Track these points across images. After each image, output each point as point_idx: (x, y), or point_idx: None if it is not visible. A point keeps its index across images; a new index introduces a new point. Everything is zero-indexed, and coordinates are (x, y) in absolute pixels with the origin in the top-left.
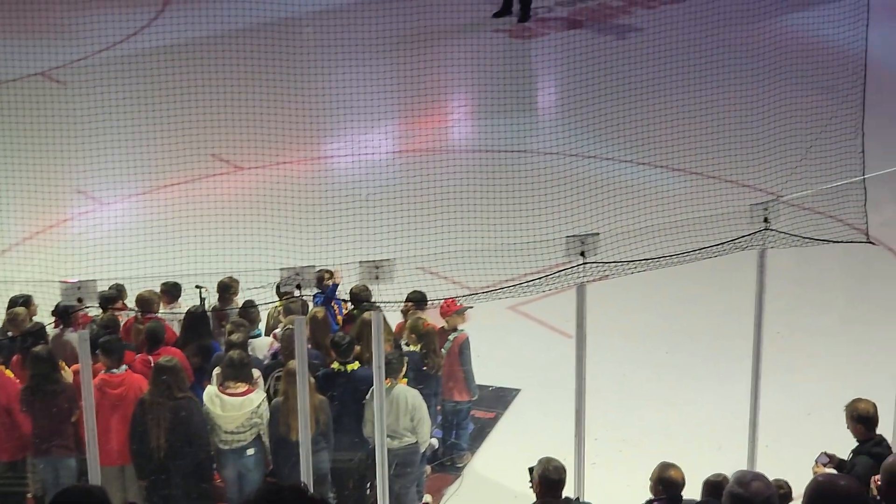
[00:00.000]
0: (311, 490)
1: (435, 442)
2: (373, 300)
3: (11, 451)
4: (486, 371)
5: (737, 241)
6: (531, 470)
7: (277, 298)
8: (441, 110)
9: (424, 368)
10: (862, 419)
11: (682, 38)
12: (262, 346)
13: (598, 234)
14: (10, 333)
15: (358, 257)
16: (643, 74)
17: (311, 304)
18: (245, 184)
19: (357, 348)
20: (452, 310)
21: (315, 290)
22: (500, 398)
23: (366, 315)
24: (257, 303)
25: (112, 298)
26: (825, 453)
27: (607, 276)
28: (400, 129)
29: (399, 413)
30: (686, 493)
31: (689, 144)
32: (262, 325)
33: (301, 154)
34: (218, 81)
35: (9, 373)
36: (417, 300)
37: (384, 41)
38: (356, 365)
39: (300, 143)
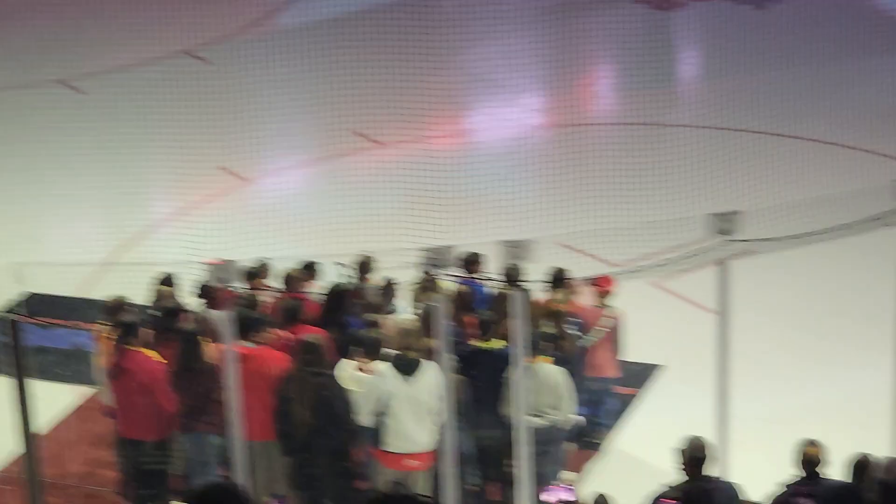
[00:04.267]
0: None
1: (579, 418)
2: (521, 279)
3: (157, 431)
4: (626, 347)
5: (881, 217)
6: (683, 452)
7: (418, 277)
8: (581, 83)
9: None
10: None
11: (819, 6)
12: None
13: (740, 211)
14: (154, 312)
15: (498, 234)
16: (782, 45)
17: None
18: (385, 160)
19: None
20: (607, 286)
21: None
22: (642, 374)
23: (500, 291)
24: (395, 281)
25: (253, 275)
26: None
27: (753, 252)
28: (540, 103)
29: (543, 391)
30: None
31: (834, 117)
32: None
33: (442, 129)
34: (359, 58)
35: (148, 353)
36: (558, 278)
37: (524, 13)
38: (499, 343)
39: (440, 119)
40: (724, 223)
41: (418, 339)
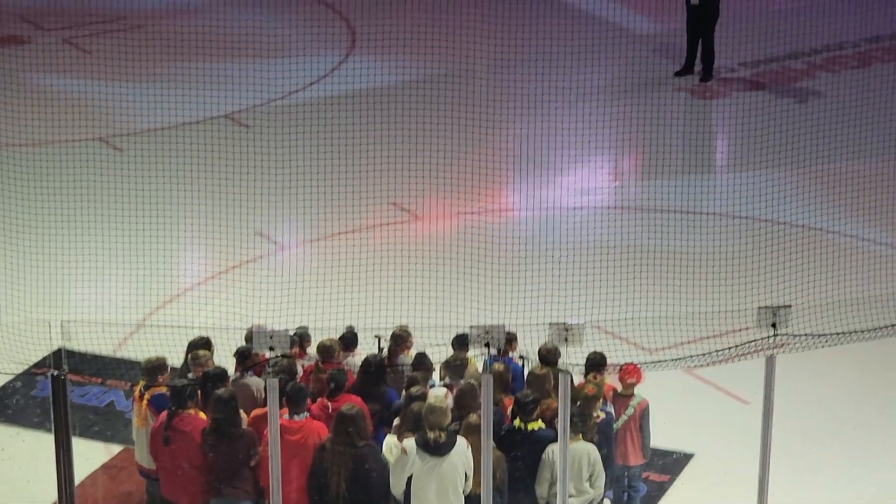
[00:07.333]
0: None
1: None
2: (560, 361)
3: (193, 494)
4: (658, 433)
5: None
6: None
7: (452, 355)
8: (621, 167)
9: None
10: None
11: (863, 103)
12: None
13: (790, 305)
14: (191, 375)
15: (532, 316)
16: (824, 139)
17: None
18: (424, 233)
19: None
20: (633, 376)
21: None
22: (675, 462)
23: (538, 372)
24: (429, 357)
25: (294, 343)
26: None
27: (800, 347)
28: (579, 185)
29: (580, 469)
30: None
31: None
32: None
33: (480, 206)
34: (399, 130)
35: (203, 415)
36: (597, 363)
37: (567, 94)
38: (538, 424)
39: (478, 195)
40: (773, 317)
41: (446, 417)
